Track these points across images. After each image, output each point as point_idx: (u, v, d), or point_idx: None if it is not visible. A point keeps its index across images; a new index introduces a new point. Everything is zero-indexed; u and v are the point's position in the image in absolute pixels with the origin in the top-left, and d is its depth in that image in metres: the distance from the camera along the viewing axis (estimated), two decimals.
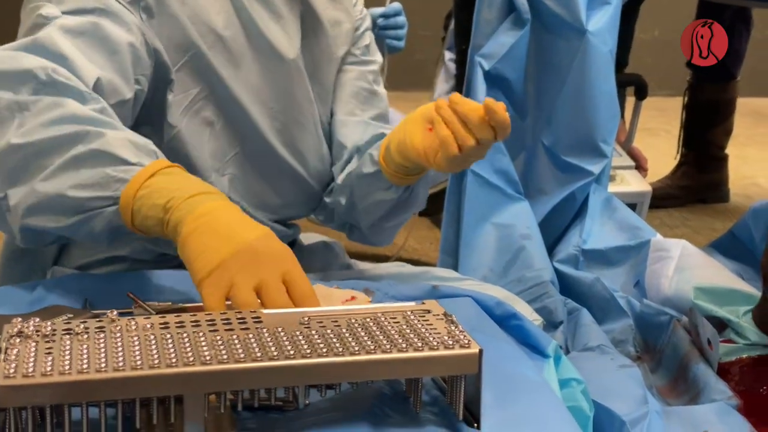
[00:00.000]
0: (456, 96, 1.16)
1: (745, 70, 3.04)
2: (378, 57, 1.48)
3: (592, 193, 1.99)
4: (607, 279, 1.82)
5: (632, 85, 2.56)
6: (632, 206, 2.23)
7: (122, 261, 1.31)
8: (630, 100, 2.73)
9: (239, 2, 1.25)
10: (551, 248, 1.96)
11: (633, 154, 2.49)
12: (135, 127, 1.16)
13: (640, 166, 2.46)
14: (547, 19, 1.97)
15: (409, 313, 0.84)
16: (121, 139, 1.01)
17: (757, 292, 1.62)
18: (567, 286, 1.85)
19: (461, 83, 2.03)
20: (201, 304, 0.94)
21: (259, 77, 1.28)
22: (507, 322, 1.07)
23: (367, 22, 1.46)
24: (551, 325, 1.70)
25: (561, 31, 1.97)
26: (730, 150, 2.98)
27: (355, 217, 1.40)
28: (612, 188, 2.19)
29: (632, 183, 2.31)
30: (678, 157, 2.93)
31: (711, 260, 1.82)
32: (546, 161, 2.00)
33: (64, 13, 1.11)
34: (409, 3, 4.28)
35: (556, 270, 1.87)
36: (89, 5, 1.12)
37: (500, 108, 1.10)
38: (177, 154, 1.22)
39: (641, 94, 2.56)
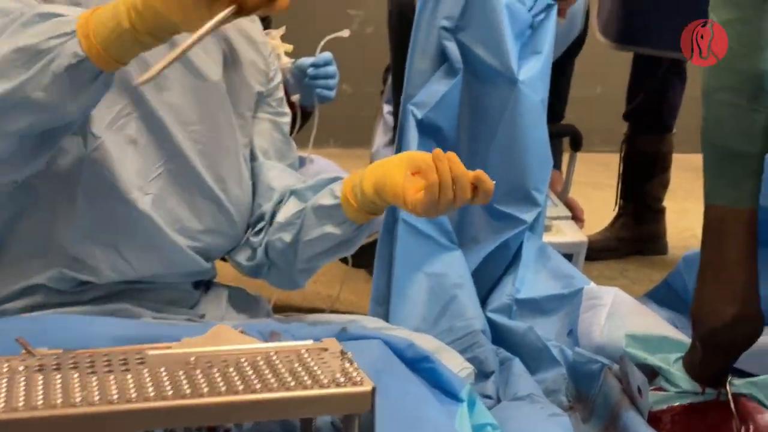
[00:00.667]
0: (452, 155, 1.23)
1: (684, 127, 3.06)
2: (288, 110, 1.54)
3: (526, 242, 1.97)
4: (540, 328, 1.80)
5: (567, 135, 2.56)
6: (568, 256, 2.22)
7: (37, 291, 1.28)
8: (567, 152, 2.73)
9: None
10: (485, 297, 1.93)
11: (569, 205, 2.48)
12: None
13: (576, 217, 2.45)
14: (479, 68, 1.97)
15: (303, 351, 0.80)
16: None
17: (688, 340, 1.60)
18: (500, 336, 1.82)
19: None
20: (93, 350, 0.89)
21: (182, 98, 1.30)
22: (418, 364, 1.03)
23: (279, 76, 1.51)
24: (482, 374, 1.67)
25: (493, 79, 1.97)
26: (669, 204, 2.99)
27: (292, 254, 1.41)
28: (548, 238, 2.18)
29: (568, 233, 2.30)
30: (616, 209, 2.93)
31: (643, 308, 1.80)
32: (479, 210, 1.98)
33: None
34: (356, 60, 4.31)
35: (489, 319, 1.84)
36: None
37: (488, 178, 1.24)
38: (100, 166, 1.22)
39: (576, 145, 2.56)
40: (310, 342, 0.83)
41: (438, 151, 1.23)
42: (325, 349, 0.81)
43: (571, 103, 2.81)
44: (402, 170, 1.24)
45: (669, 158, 2.88)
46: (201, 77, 1.31)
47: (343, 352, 0.80)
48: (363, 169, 1.33)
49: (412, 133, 1.95)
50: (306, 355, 0.80)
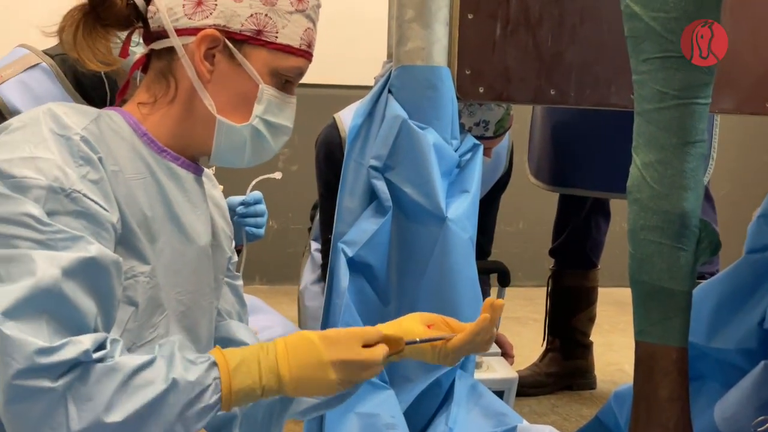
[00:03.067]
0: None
1: (608, 261, 3.12)
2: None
3: (458, 380, 1.96)
4: None
5: (495, 272, 2.59)
6: (499, 393, 2.20)
7: None
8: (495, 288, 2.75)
9: (162, 187, 1.27)
10: None
11: (499, 342, 2.49)
12: None
13: (506, 353, 2.45)
14: (407, 206, 1.99)
15: None
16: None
17: None
18: None
19: (326, 273, 2.01)
20: None
21: (172, 259, 1.28)
22: None
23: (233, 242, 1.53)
24: None
25: (422, 218, 1.99)
26: (595, 338, 3.02)
27: (280, 405, 1.41)
28: (479, 375, 2.17)
29: (499, 370, 2.29)
30: (544, 344, 2.94)
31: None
32: None
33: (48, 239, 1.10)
34: (281, 197, 4.33)
35: None
36: (74, 230, 1.12)
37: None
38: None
39: (505, 281, 2.59)
40: None
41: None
42: None
43: (494, 237, 2.85)
44: (419, 323, 1.35)
45: (594, 293, 2.92)
46: (190, 240, 1.31)
47: None
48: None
49: (343, 271, 1.94)
50: None
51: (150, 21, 1.30)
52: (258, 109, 1.31)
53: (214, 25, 1.27)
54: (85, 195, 1.13)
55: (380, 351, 1.20)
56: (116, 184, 1.19)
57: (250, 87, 1.30)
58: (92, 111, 1.25)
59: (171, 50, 1.29)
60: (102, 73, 2.07)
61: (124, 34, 1.35)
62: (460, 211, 2.01)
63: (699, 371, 1.79)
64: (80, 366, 1.05)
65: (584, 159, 2.69)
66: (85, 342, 1.06)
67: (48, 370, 1.03)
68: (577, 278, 2.89)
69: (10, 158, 1.12)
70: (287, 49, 1.30)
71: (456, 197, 2.03)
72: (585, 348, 2.93)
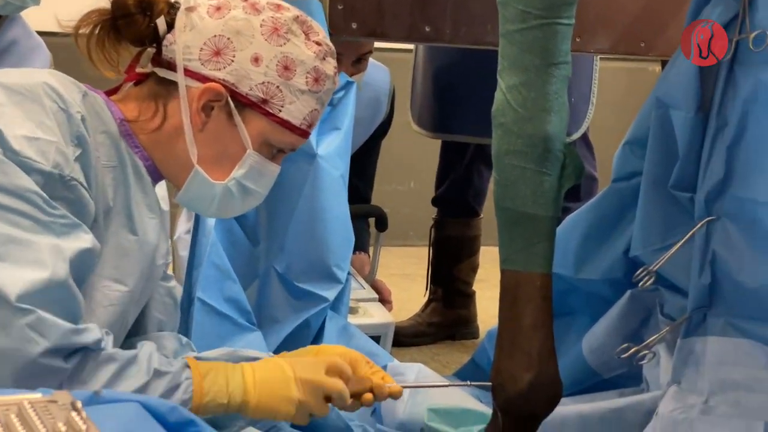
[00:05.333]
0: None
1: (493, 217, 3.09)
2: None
3: (328, 321, 1.92)
4: None
5: (372, 216, 2.55)
6: (376, 338, 2.16)
7: None
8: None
9: (128, 181, 1.26)
10: None
11: (376, 287, 2.45)
12: None
13: (384, 299, 2.42)
14: None
15: (26, 403, 0.70)
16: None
17: (491, 411, 1.56)
18: None
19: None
20: None
21: (114, 252, 1.26)
22: (183, 429, 0.94)
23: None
24: None
25: (291, 155, 1.91)
26: (483, 292, 3.00)
27: None
28: (355, 320, 2.13)
29: (375, 315, 2.25)
30: (427, 294, 2.91)
31: (446, 381, 1.76)
32: (279, 288, 1.92)
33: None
34: None
35: None
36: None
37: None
38: None
39: (382, 225, 2.55)
40: (38, 395, 0.73)
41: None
42: (54, 402, 0.71)
43: (385, 196, 2.80)
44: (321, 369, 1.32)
45: (477, 242, 2.90)
46: (140, 240, 1.29)
47: (73, 404, 0.70)
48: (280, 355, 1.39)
49: None
50: (28, 408, 0.69)
51: (164, 48, 1.27)
52: (238, 172, 1.29)
53: (224, 80, 1.25)
54: (80, 183, 1.13)
55: (341, 384, 1.26)
56: (96, 168, 1.19)
57: (238, 149, 1.29)
58: (80, 86, 1.23)
59: (173, 83, 1.26)
60: None
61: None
62: (332, 149, 1.96)
63: (569, 306, 1.79)
64: (83, 351, 1.09)
65: (465, 104, 2.65)
66: (96, 331, 1.10)
67: (67, 351, 1.07)
68: (459, 227, 2.86)
69: (14, 134, 1.10)
70: (287, 125, 1.29)
71: (327, 134, 1.98)
72: (467, 297, 2.91)
